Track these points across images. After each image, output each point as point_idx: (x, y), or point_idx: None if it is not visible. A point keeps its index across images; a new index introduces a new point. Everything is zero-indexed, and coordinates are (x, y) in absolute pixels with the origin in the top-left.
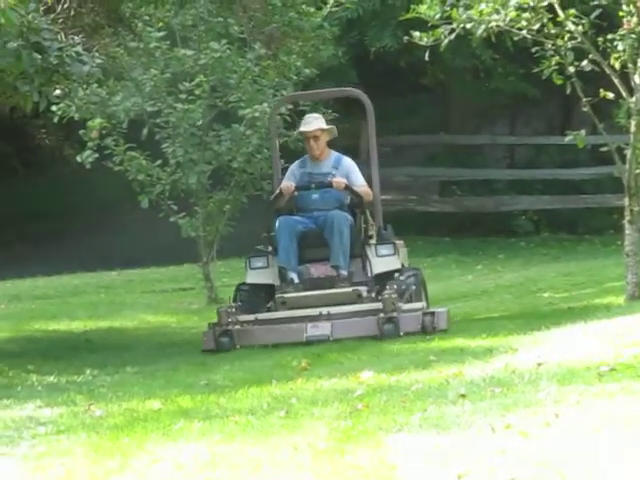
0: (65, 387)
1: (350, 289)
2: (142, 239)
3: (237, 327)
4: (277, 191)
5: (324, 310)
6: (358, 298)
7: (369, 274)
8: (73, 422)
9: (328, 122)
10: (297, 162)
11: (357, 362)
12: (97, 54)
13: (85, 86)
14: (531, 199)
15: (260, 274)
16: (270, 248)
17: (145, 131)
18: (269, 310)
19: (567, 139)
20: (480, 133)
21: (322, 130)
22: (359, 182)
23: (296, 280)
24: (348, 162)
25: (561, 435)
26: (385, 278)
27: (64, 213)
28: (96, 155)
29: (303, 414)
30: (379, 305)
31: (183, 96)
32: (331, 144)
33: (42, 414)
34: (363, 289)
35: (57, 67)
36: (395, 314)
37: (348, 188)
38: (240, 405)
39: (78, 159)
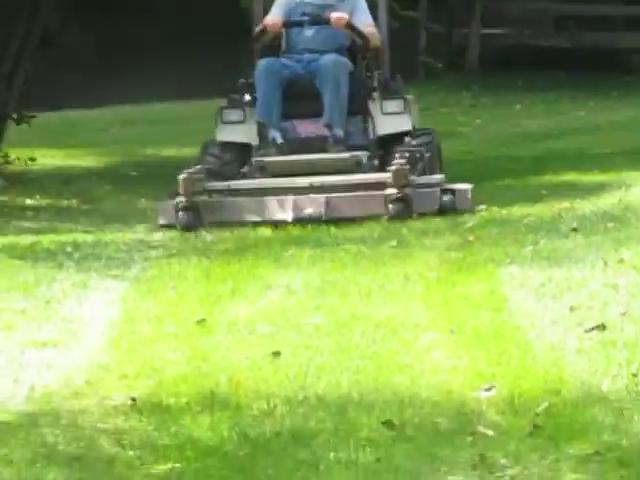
0: None
1: (347, 154)
2: None
3: (204, 198)
4: (260, 26)
5: (315, 180)
6: (357, 166)
7: (371, 136)
8: (184, 246)
9: None
10: None
11: None
12: None
13: None
14: None
15: (234, 130)
16: (248, 98)
17: None
18: (244, 176)
19: None
20: None
21: None
22: (366, 21)
23: (279, 140)
24: None
25: None
26: (391, 142)
27: (179, 39)
28: None
29: (414, 244)
30: (386, 177)
31: None
32: None
33: (153, 238)
34: (363, 154)
35: None
36: (407, 190)
37: (350, 26)
38: (351, 234)
39: None
